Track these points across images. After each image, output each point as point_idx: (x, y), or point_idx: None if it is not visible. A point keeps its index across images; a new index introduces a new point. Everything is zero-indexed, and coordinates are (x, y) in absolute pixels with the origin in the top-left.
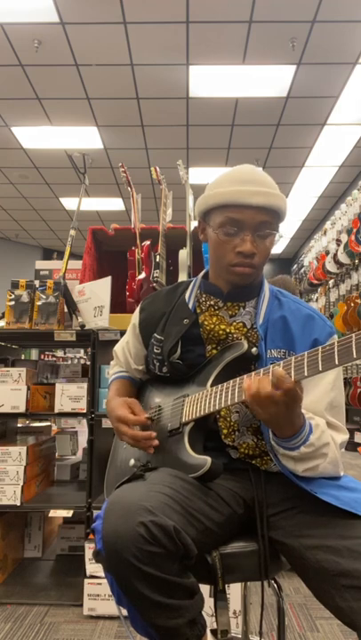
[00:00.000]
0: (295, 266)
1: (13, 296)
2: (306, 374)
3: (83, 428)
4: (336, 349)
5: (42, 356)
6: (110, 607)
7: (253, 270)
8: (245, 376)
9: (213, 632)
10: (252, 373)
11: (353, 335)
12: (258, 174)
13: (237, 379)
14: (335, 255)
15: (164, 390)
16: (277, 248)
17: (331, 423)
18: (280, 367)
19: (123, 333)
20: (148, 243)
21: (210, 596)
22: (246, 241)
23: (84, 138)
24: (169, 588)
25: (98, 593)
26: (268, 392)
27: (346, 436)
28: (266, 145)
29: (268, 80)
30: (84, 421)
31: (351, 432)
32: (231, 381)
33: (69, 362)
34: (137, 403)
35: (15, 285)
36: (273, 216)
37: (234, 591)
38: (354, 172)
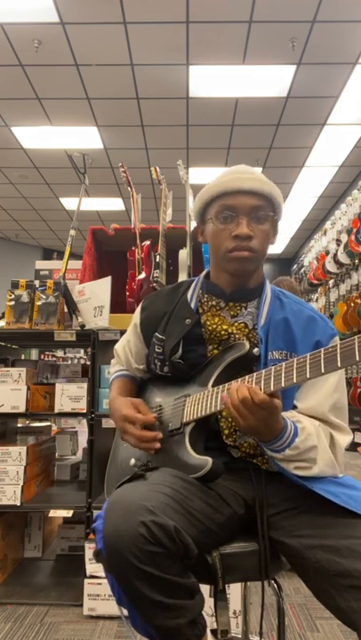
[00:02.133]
0: (295, 266)
1: (13, 296)
2: (308, 376)
3: (83, 428)
4: (339, 351)
5: (42, 356)
6: (110, 607)
7: (252, 255)
8: (233, 381)
9: (213, 632)
10: (239, 379)
11: (355, 338)
12: (252, 169)
13: (239, 379)
14: (335, 255)
15: (164, 390)
16: (277, 248)
17: (335, 424)
18: (283, 368)
19: (123, 333)
20: (148, 243)
21: (210, 596)
22: (242, 224)
23: (84, 138)
24: (169, 587)
25: (98, 593)
26: (246, 401)
27: (350, 437)
28: (266, 145)
29: (268, 80)
30: (84, 421)
31: (352, 432)
32: (233, 382)
33: (69, 362)
34: (143, 403)
35: (15, 285)
36: (267, 201)
37: (234, 591)
38: (354, 171)
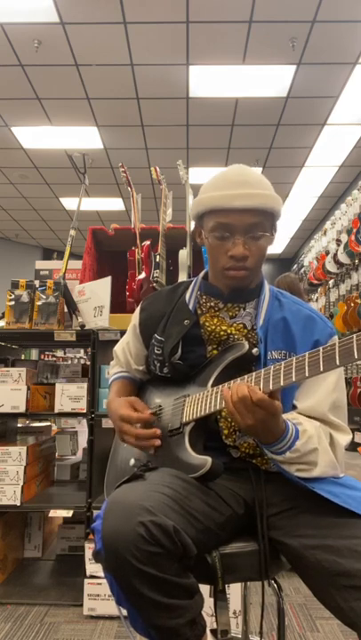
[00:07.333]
0: (295, 266)
1: (13, 296)
2: (307, 375)
3: (83, 428)
4: (337, 350)
5: (42, 356)
6: (110, 607)
7: (247, 273)
8: (232, 381)
9: (213, 632)
10: (238, 379)
11: (354, 336)
12: (245, 175)
13: (238, 379)
14: (335, 255)
15: (164, 390)
16: (277, 248)
17: (334, 424)
18: (281, 367)
19: (123, 333)
20: (148, 243)
21: (210, 596)
22: (237, 244)
23: (84, 138)
24: (169, 587)
25: (98, 593)
26: (246, 402)
27: (349, 437)
28: (266, 145)
29: (268, 80)
30: (84, 421)
31: (351, 432)
32: (232, 382)
33: (69, 362)
34: (139, 400)
35: (15, 285)
36: (263, 216)
37: (234, 591)
38: (354, 172)
